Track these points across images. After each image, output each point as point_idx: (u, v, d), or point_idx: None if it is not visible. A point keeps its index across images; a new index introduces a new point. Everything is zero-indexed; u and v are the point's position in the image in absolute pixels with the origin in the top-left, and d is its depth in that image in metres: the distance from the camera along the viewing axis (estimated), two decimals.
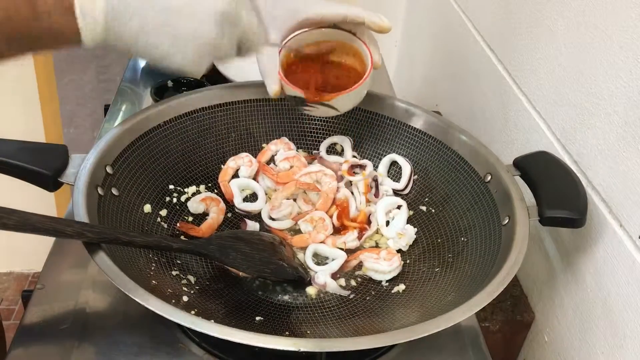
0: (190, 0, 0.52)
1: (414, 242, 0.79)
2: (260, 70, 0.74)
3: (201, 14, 0.53)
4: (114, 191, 0.73)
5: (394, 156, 0.87)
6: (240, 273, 0.73)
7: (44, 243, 0.74)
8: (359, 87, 0.76)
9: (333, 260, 0.76)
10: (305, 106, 0.76)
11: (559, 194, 0.71)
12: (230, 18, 0.55)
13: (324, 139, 0.90)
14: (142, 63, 1.27)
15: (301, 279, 0.73)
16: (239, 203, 0.83)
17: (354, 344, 0.56)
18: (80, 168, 0.70)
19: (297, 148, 0.90)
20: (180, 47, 0.53)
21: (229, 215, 0.82)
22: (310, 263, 0.76)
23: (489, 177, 0.76)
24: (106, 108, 1.14)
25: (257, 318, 0.68)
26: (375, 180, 0.84)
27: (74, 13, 0.49)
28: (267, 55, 0.72)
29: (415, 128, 0.86)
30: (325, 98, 0.75)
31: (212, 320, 0.57)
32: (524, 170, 0.76)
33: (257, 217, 0.82)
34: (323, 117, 0.90)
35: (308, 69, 0.79)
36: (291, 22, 0.73)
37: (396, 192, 0.85)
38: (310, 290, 0.73)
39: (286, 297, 0.72)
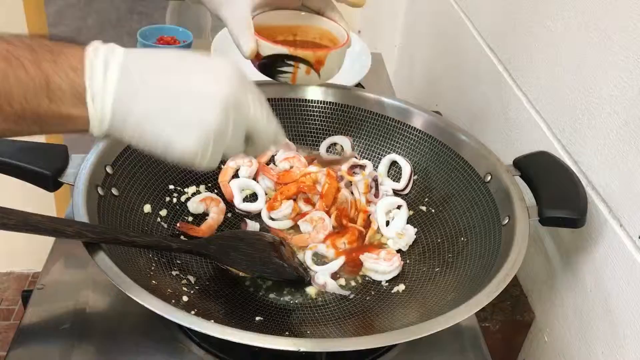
0: (194, 83, 0.51)
1: (414, 242, 0.79)
2: (231, 30, 0.67)
3: (205, 98, 0.50)
4: (114, 191, 0.73)
5: (394, 156, 0.87)
6: (241, 273, 0.73)
7: (44, 243, 0.74)
8: (343, 47, 0.72)
9: (333, 260, 0.76)
10: (284, 68, 0.69)
11: (559, 194, 0.71)
12: (235, 104, 0.52)
13: (324, 139, 0.90)
14: None
15: (301, 279, 0.73)
16: (239, 203, 0.83)
17: (354, 344, 0.56)
18: (80, 168, 0.70)
19: (297, 148, 0.90)
20: (183, 135, 0.50)
21: (229, 215, 0.82)
22: (310, 263, 0.76)
23: (489, 177, 0.76)
24: None
25: (257, 318, 0.68)
26: (375, 180, 0.84)
27: (85, 100, 0.49)
28: (237, 15, 0.67)
29: (415, 128, 0.86)
30: (310, 56, 0.69)
31: (212, 320, 0.57)
32: (524, 170, 0.76)
33: (257, 217, 0.82)
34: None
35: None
36: None
37: (396, 192, 0.85)
38: (310, 290, 0.73)
39: (286, 297, 0.72)
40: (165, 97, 0.50)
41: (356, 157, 0.88)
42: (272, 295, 0.72)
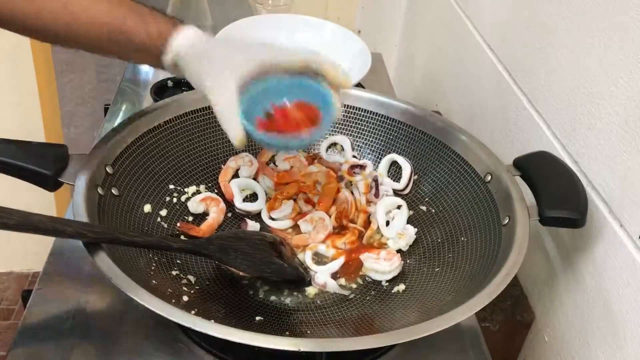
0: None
1: (414, 242, 0.79)
2: (219, 117, 0.67)
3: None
4: (114, 191, 0.73)
5: (394, 156, 0.87)
6: (241, 273, 0.73)
7: (44, 243, 0.74)
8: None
9: (333, 260, 0.76)
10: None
11: (559, 194, 0.71)
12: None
13: (324, 139, 0.90)
14: None
15: (301, 279, 0.73)
16: (239, 203, 0.83)
17: (354, 344, 0.56)
18: (80, 168, 0.70)
19: None
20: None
21: (229, 215, 0.82)
22: (310, 263, 0.76)
23: (489, 177, 0.76)
24: (106, 108, 1.14)
25: (257, 318, 0.68)
26: (375, 180, 0.84)
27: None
28: (225, 100, 0.66)
29: (415, 128, 0.86)
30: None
31: (212, 320, 0.57)
32: (524, 170, 0.76)
33: (257, 217, 0.82)
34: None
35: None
36: (249, 66, 0.67)
37: (396, 192, 0.85)
38: (310, 290, 0.73)
39: (286, 297, 0.72)
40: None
41: (356, 157, 0.88)
42: (272, 295, 0.72)
